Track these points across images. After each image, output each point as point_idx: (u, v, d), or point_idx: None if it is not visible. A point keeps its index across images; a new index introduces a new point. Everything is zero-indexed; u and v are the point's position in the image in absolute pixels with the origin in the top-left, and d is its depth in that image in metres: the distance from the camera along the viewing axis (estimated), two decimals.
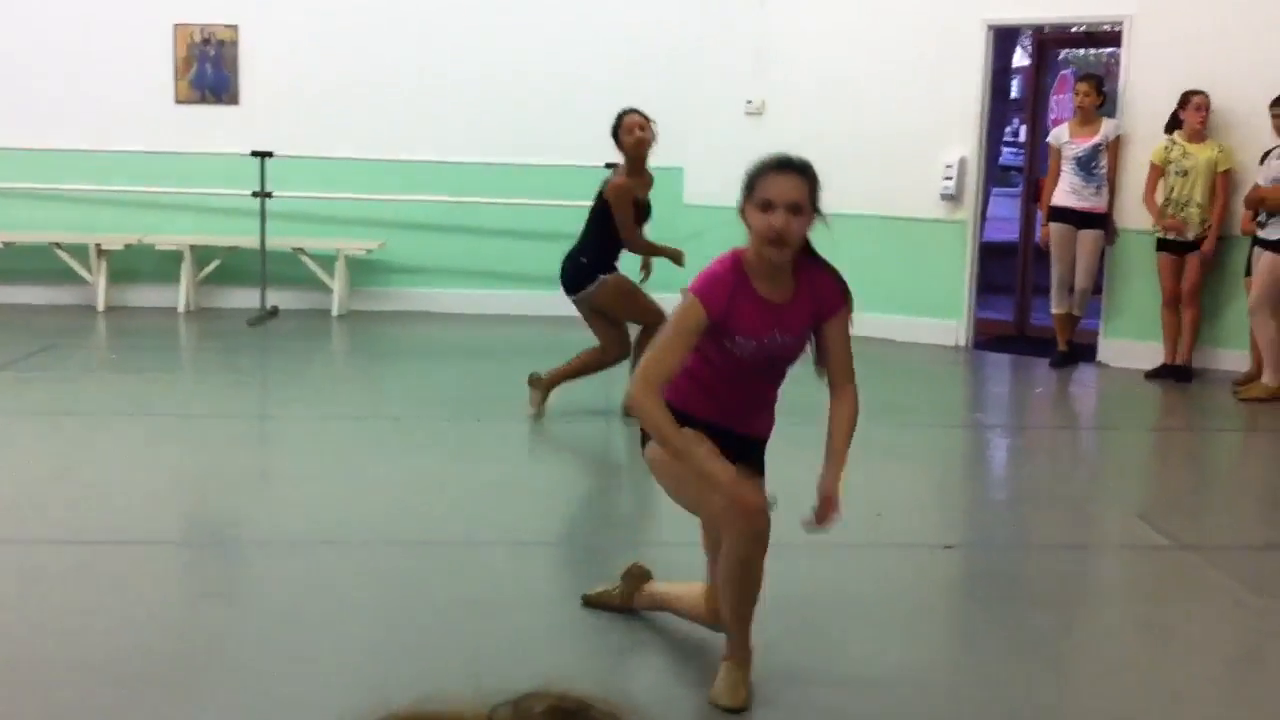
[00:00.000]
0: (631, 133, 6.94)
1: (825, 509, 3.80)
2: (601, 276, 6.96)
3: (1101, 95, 9.16)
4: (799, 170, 3.68)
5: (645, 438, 3.90)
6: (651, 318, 6.65)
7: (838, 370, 3.88)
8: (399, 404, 7.74)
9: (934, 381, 8.95)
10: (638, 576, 4.36)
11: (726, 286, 3.68)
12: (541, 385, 7.08)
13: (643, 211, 7.10)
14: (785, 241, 3.62)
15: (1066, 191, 9.10)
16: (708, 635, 4.06)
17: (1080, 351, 9.27)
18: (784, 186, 3.63)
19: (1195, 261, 8.62)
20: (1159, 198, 8.68)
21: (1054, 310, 9.30)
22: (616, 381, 7.04)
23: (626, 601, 4.36)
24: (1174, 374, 8.65)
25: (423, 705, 1.31)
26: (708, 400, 3.83)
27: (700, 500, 3.82)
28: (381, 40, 10.57)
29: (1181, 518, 5.83)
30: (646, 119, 7.02)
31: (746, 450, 3.93)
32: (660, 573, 4.35)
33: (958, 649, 4.44)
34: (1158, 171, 8.69)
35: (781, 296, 3.74)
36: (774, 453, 4.06)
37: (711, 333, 3.69)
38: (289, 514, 5.56)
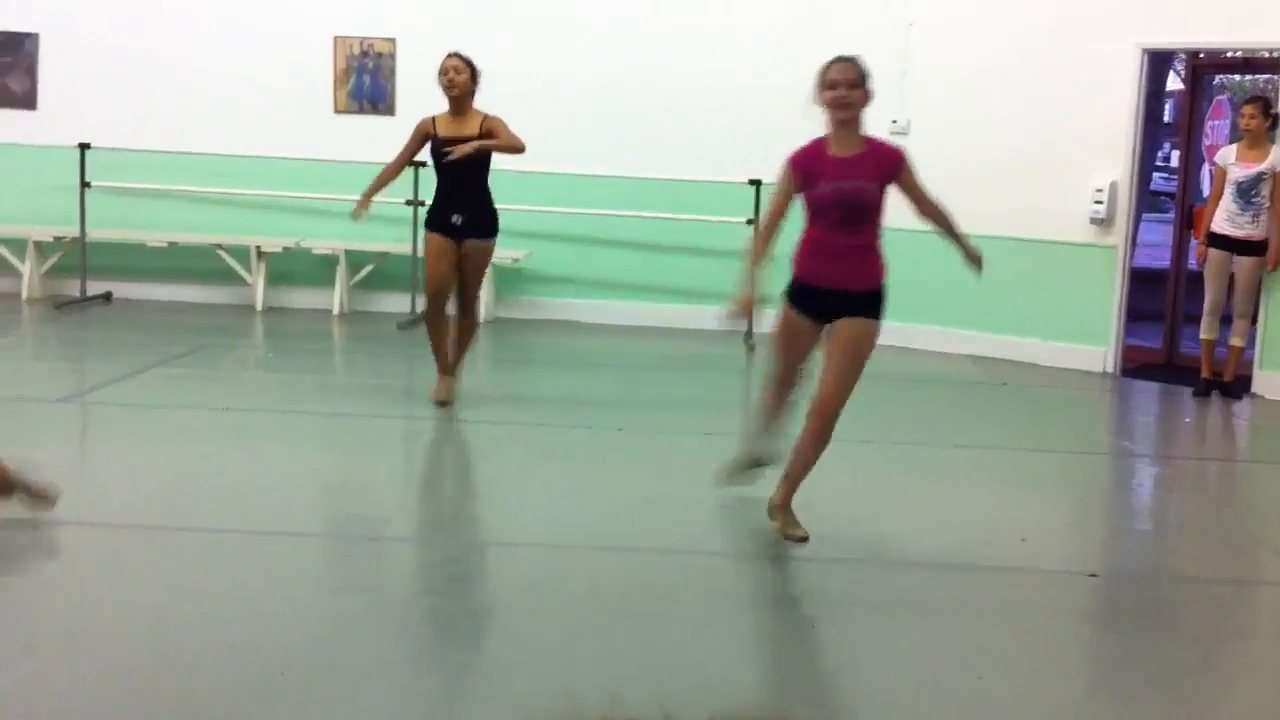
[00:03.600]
0: (445, 73, 7.43)
1: (978, 258, 5.39)
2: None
3: (1270, 117, 8.92)
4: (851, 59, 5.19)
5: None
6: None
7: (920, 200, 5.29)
8: (542, 410, 7.87)
9: (1080, 408, 8.83)
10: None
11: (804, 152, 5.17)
12: (453, 380, 7.67)
13: (443, 145, 7.37)
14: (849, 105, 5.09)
15: (1223, 219, 8.92)
16: None
17: (1240, 383, 9.08)
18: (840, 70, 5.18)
19: None
20: None
21: (1203, 335, 9.11)
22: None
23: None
24: None
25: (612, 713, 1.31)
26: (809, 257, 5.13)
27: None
28: (533, 55, 10.77)
29: None
30: (464, 63, 7.46)
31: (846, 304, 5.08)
32: None
33: (1097, 677, 4.39)
34: None
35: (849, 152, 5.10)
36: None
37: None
38: (429, 512, 5.72)
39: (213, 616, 4.38)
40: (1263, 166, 8.81)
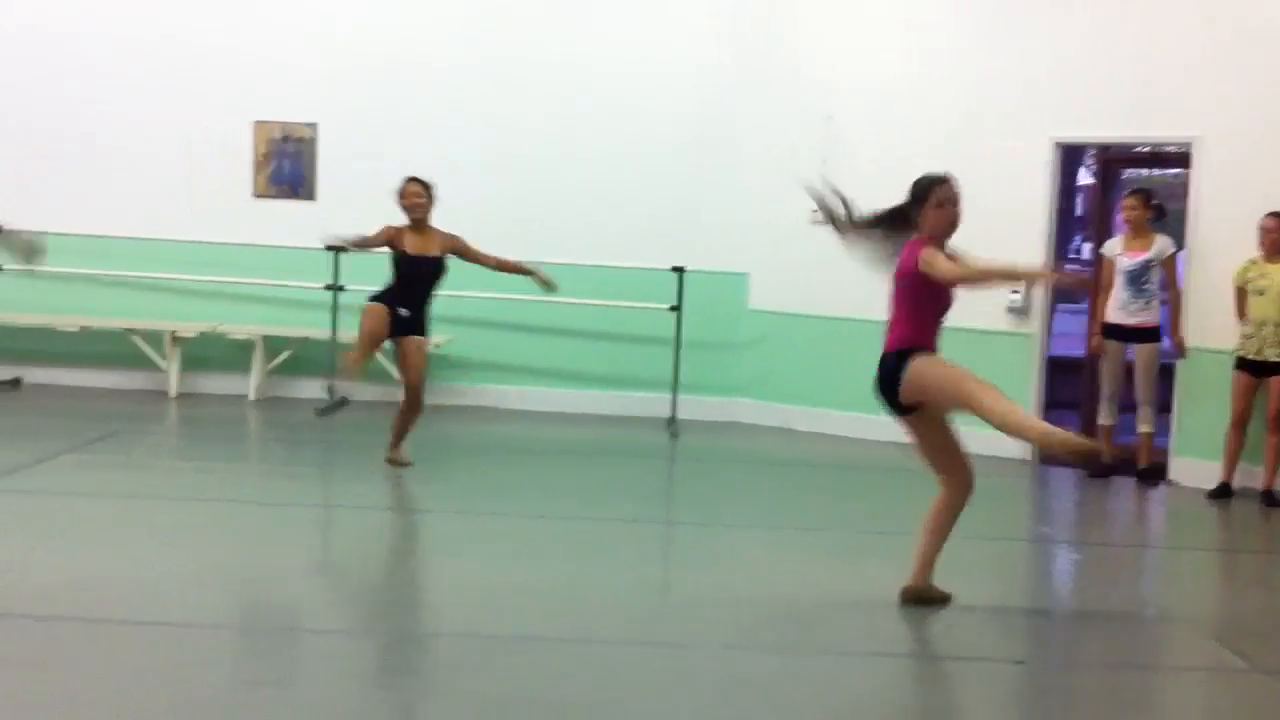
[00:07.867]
0: (406, 197, 8.05)
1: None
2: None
3: (1150, 209, 9.20)
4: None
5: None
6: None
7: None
8: (461, 498, 7.76)
9: (1002, 495, 8.85)
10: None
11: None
12: (397, 456, 8.15)
13: (410, 262, 8.04)
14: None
15: (1115, 308, 9.18)
16: None
17: (1155, 470, 9.20)
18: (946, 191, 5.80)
19: (1278, 385, 8.53)
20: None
21: (1100, 421, 9.34)
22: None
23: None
24: (1229, 494, 8.66)
25: None
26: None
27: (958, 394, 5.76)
28: (455, 141, 10.77)
29: (1258, 641, 5.71)
30: (424, 187, 8.08)
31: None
32: None
33: None
34: (1241, 292, 8.68)
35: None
36: None
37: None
38: (347, 603, 5.58)
39: (124, 710, 4.22)
40: (1149, 254, 9.07)
